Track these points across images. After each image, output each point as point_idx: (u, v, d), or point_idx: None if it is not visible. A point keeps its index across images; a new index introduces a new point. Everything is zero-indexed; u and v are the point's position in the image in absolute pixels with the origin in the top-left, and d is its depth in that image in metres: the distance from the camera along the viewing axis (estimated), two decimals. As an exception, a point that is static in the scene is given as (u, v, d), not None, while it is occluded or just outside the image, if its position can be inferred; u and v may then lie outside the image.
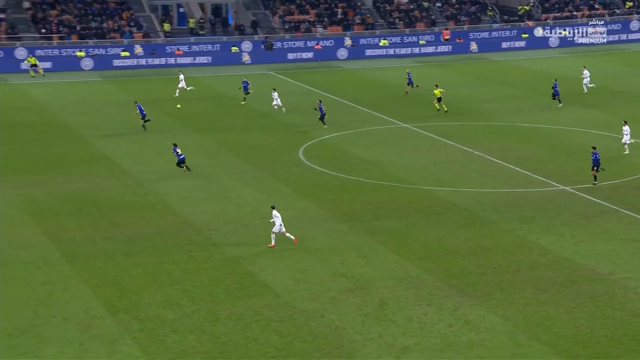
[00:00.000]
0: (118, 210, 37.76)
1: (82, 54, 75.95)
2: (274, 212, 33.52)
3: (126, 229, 35.42)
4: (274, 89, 57.61)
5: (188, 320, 27.10)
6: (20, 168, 44.44)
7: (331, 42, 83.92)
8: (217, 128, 53.78)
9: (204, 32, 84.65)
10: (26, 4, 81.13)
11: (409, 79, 63.90)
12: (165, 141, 49.83)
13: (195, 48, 79.82)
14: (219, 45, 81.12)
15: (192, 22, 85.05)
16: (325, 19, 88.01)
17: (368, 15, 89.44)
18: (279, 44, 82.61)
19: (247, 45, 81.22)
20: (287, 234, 33.59)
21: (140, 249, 33.24)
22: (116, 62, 76.35)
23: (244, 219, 36.80)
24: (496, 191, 40.85)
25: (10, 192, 40.50)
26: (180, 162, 43.02)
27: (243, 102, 60.39)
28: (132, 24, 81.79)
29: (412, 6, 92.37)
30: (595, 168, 40.96)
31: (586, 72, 64.18)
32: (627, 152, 46.66)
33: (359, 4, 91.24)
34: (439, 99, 57.09)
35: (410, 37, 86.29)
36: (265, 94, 62.38)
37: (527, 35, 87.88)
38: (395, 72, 75.09)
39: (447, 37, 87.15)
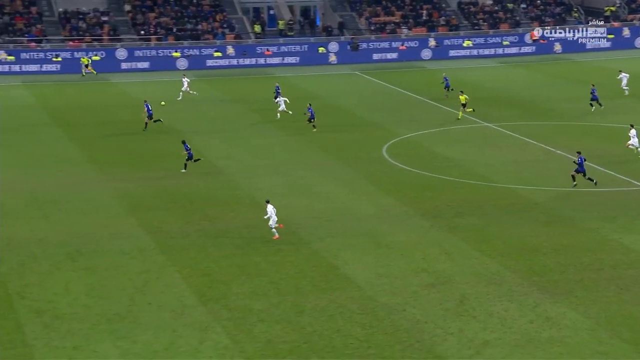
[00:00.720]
0: (209, 204, 38.66)
1: (178, 54, 78.32)
2: (269, 206, 34.11)
3: (217, 222, 36.29)
4: (280, 94, 56.65)
5: (274, 311, 27.71)
6: (118, 163, 45.68)
7: (415, 43, 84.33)
8: (304, 126, 54.68)
9: (292, 33, 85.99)
10: (127, 7, 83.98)
11: (446, 83, 63.24)
12: (256, 139, 51.27)
13: (284, 49, 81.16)
14: (306, 46, 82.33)
15: (281, 24, 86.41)
16: (410, 20, 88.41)
17: (453, 17, 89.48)
18: (364, 45, 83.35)
19: (333, 46, 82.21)
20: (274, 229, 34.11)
21: (229, 241, 34.06)
22: (209, 62, 78.35)
23: (329, 214, 37.43)
24: (578, 190, 40.70)
25: (109, 185, 41.83)
26: (191, 158, 43.51)
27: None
28: (224, 25, 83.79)
29: (496, 7, 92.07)
30: (582, 173, 40.15)
31: (624, 75, 63.15)
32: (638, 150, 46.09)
33: (443, 5, 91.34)
34: (464, 105, 55.57)
35: (493, 38, 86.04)
36: (348, 93, 63.46)
37: (612, 36, 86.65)
38: (479, 73, 75.25)
39: (536, 38, 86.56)
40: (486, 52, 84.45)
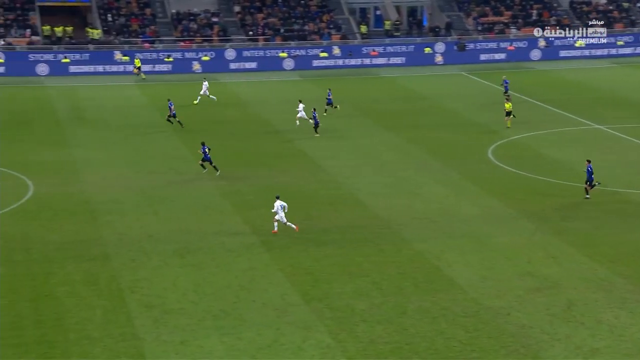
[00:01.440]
0: (312, 203, 38.94)
1: (285, 54, 79.28)
2: (278, 201, 34.45)
3: (319, 221, 36.54)
4: (300, 100, 55.12)
5: (377, 311, 27.75)
6: (224, 161, 46.12)
7: (524, 43, 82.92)
8: (409, 126, 54.40)
9: (399, 33, 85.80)
10: (236, 8, 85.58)
11: (505, 87, 61.34)
12: (361, 138, 51.35)
13: (389, 49, 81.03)
14: (412, 46, 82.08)
15: (387, 24, 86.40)
16: (520, 20, 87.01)
17: (564, 17, 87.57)
18: (471, 45, 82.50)
19: (440, 47, 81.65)
20: (288, 223, 34.56)
21: (332, 240, 34.26)
22: (315, 63, 78.94)
23: (432, 214, 37.34)
24: (694, 196, 39.62)
25: (216, 183, 42.50)
26: (206, 160, 43.46)
27: (324, 114, 56.29)
28: (331, 26, 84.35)
29: (610, 7, 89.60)
30: (588, 182, 38.57)
31: None
32: None
33: (555, 4, 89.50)
34: (508, 114, 53.04)
35: (607, 38, 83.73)
36: (454, 93, 62.68)
37: None
38: (590, 74, 73.47)
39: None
40: (599, 52, 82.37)
